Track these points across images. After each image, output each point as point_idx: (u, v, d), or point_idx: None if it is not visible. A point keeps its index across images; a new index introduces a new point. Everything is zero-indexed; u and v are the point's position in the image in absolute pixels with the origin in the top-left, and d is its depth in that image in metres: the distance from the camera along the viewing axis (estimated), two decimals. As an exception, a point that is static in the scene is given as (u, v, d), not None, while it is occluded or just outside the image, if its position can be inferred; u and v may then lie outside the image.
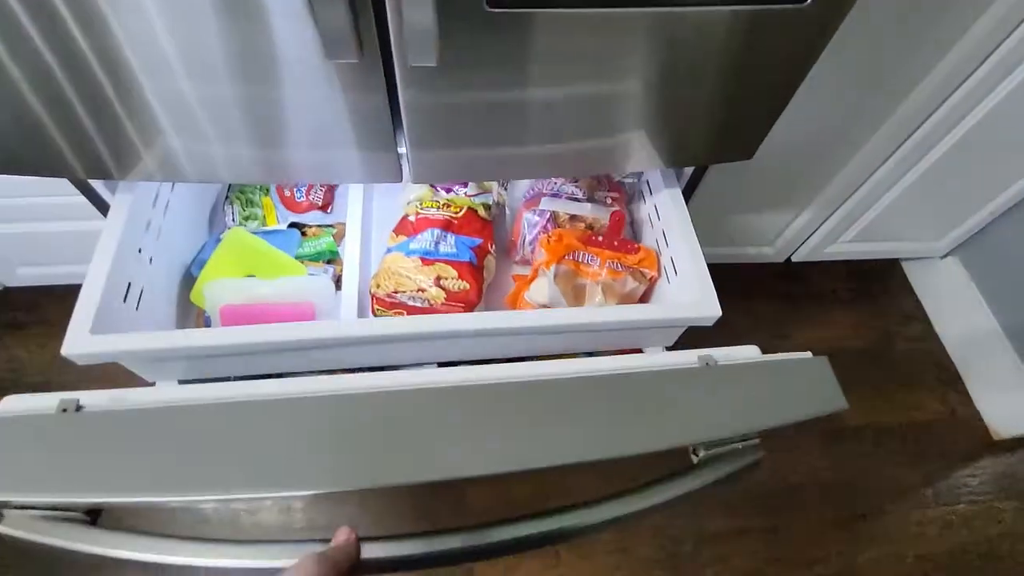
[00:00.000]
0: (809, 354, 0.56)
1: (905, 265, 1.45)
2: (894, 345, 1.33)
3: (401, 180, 0.61)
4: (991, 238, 1.23)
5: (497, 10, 0.44)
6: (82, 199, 0.74)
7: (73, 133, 0.53)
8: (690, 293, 0.67)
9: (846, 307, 1.37)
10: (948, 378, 1.30)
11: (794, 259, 1.23)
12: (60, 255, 0.96)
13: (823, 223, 1.12)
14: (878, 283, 1.42)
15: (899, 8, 0.69)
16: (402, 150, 0.58)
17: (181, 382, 0.66)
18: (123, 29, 0.44)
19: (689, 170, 0.79)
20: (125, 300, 0.62)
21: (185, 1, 0.43)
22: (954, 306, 1.33)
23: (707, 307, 0.64)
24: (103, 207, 0.71)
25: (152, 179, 0.59)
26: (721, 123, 0.61)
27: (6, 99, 0.49)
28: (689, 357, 0.56)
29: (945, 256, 1.33)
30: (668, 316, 0.64)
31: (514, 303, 0.77)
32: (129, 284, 0.63)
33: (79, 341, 0.55)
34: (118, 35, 0.45)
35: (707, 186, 0.85)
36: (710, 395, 0.51)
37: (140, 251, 0.65)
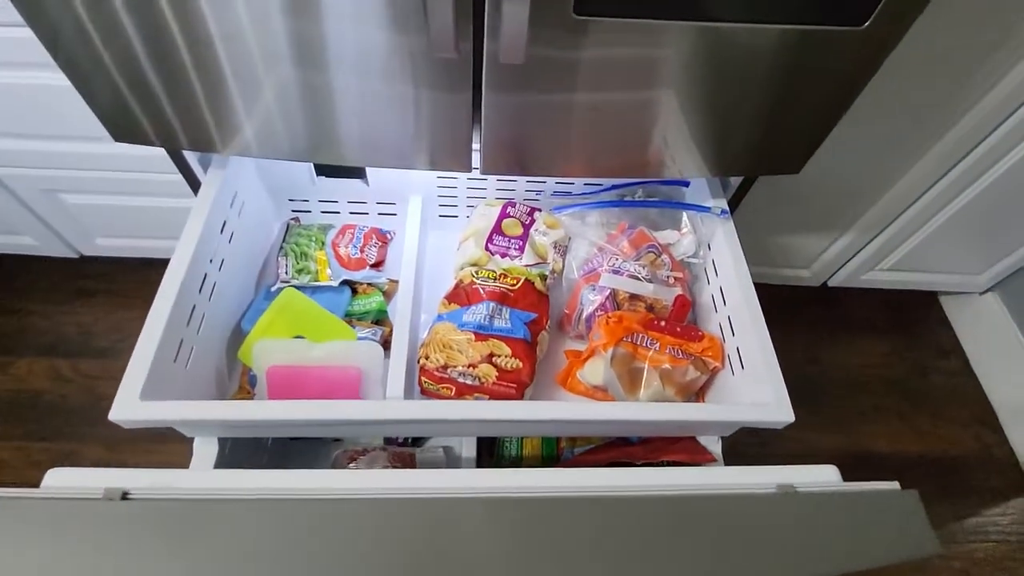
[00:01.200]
0: (896, 485, 0.51)
1: (943, 299, 1.41)
2: (928, 378, 1.30)
3: (470, 169, 0.65)
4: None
5: (583, 17, 0.49)
6: (166, 177, 0.86)
7: (185, 106, 0.59)
8: (758, 391, 0.63)
9: (880, 336, 1.35)
10: (983, 416, 1.26)
11: (830, 283, 1.24)
12: (138, 229, 1.03)
13: (862, 249, 1.13)
14: (914, 315, 1.40)
15: (949, 41, 0.72)
16: (475, 145, 0.62)
17: (220, 440, 0.65)
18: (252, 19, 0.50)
19: (735, 184, 0.81)
20: (176, 359, 0.61)
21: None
22: (993, 344, 1.29)
23: (779, 411, 0.60)
24: (195, 183, 0.77)
25: (248, 153, 0.64)
26: (771, 136, 0.64)
27: (135, 76, 0.56)
28: (764, 479, 0.51)
29: (985, 292, 1.29)
30: (737, 419, 0.60)
31: (565, 381, 0.74)
32: (181, 341, 0.62)
33: (128, 407, 0.54)
34: (244, 21, 0.50)
35: (750, 203, 0.86)
36: (791, 531, 0.47)
37: (194, 307, 0.64)
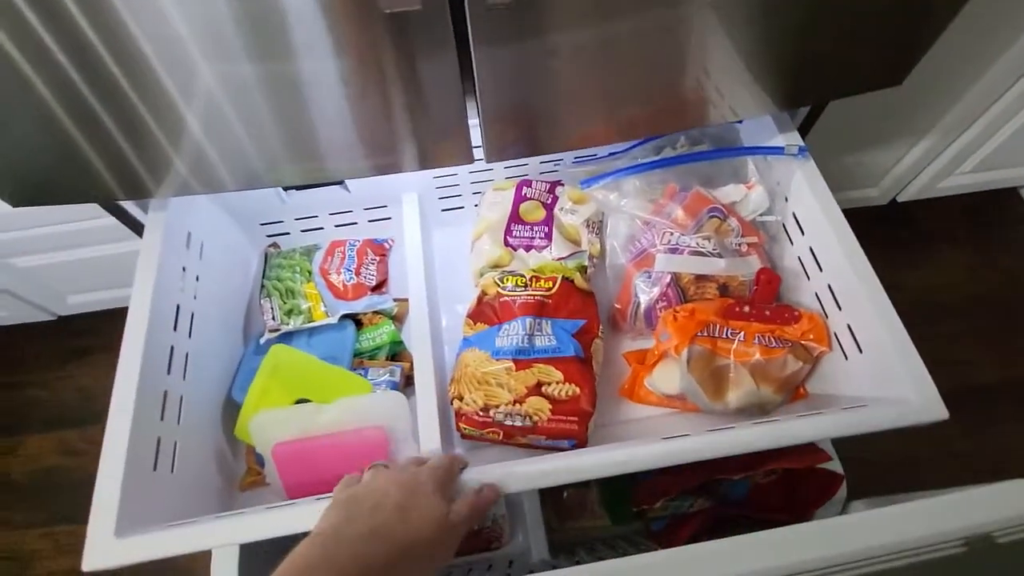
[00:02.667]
0: None
1: (1025, 192, 1.24)
2: (1021, 287, 1.14)
3: (472, 161, 0.51)
4: None
5: None
6: (108, 221, 0.70)
7: (103, 150, 0.46)
8: (887, 380, 0.49)
9: (961, 248, 1.19)
10: None
11: (900, 199, 1.10)
12: (105, 279, 0.93)
13: (938, 156, 0.99)
14: (996, 217, 1.22)
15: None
16: (473, 121, 0.48)
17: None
18: (138, 24, 0.37)
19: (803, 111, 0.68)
20: (156, 467, 0.49)
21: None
22: None
23: (930, 408, 0.46)
24: (138, 228, 0.63)
25: (188, 191, 0.52)
26: (868, 45, 0.49)
27: (27, 124, 0.43)
28: (941, 525, 0.37)
29: None
30: (877, 426, 0.46)
31: (632, 392, 0.61)
32: (159, 440, 0.50)
33: (101, 552, 0.43)
34: (134, 29, 0.37)
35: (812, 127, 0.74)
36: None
37: (166, 394, 0.52)
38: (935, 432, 1.03)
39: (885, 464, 0.94)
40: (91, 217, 0.76)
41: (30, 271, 0.86)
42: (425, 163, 0.50)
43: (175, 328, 0.55)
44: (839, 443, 0.61)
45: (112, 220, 0.74)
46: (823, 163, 0.96)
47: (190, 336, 0.57)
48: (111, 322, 1.10)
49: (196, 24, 0.37)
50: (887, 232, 1.19)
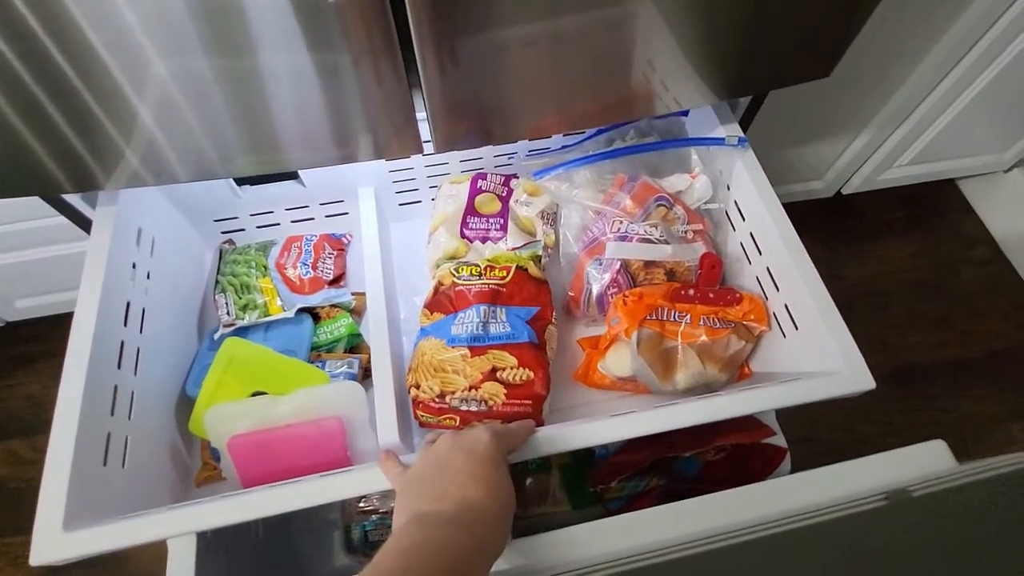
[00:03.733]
0: (1022, 457, 0.41)
1: (963, 185, 1.31)
2: (959, 273, 1.22)
3: (421, 151, 0.52)
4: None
5: None
6: (56, 220, 0.65)
7: (47, 137, 0.45)
8: (821, 354, 0.52)
9: (902, 237, 1.27)
10: (1023, 301, 1.18)
11: (844, 191, 1.16)
12: (55, 282, 0.90)
13: (877, 149, 1.04)
14: (935, 208, 1.30)
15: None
16: (420, 115, 0.49)
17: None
18: (84, 11, 0.36)
19: (743, 104, 0.69)
20: (106, 462, 0.48)
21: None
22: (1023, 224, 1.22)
23: (857, 379, 0.49)
24: (87, 225, 0.60)
25: (138, 183, 0.51)
26: (795, 36, 0.52)
27: None
28: (865, 483, 0.40)
29: (1010, 169, 1.21)
30: (808, 398, 0.48)
31: (586, 376, 0.62)
32: (109, 435, 0.49)
33: (49, 546, 0.42)
34: (78, 16, 0.37)
35: (754, 122, 0.76)
36: (919, 553, 0.36)
37: (117, 388, 0.51)
38: (878, 411, 1.09)
39: (831, 443, 0.99)
40: (37, 216, 0.74)
41: (-27, 274, 0.83)
42: (376, 154, 0.50)
43: (125, 324, 0.54)
44: (789, 425, 0.64)
45: (59, 219, 0.72)
46: (768, 158, 1.01)
47: (141, 332, 0.56)
48: (61, 327, 1.06)
49: (144, 13, 0.37)
50: (834, 223, 1.25)
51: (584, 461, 0.71)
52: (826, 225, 1.24)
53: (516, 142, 0.67)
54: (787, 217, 0.57)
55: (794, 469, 0.65)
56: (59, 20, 0.37)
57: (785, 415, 0.62)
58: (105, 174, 0.50)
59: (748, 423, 0.62)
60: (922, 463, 0.43)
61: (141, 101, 0.43)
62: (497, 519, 0.37)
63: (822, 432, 0.96)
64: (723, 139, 0.61)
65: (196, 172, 0.51)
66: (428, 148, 0.51)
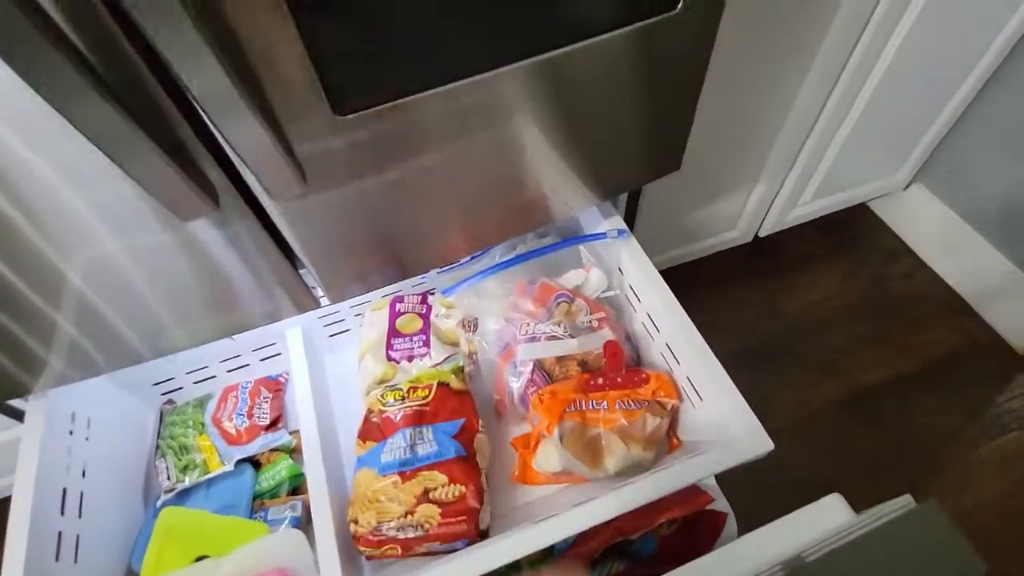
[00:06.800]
0: (909, 499, 0.43)
1: (873, 205, 1.39)
2: (887, 288, 1.28)
3: (319, 306, 0.56)
4: (948, 155, 1.18)
5: (349, 116, 0.39)
6: None
7: None
8: (725, 423, 0.55)
9: (827, 264, 1.32)
10: (954, 305, 1.24)
11: (761, 234, 1.22)
12: None
13: (779, 192, 1.10)
14: (852, 231, 1.37)
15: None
16: (310, 281, 0.53)
17: None
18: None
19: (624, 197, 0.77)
20: (46, 665, 0.48)
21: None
22: (935, 232, 1.28)
23: (755, 443, 0.52)
24: (19, 415, 0.62)
25: (69, 380, 0.53)
26: (639, 144, 0.58)
27: None
28: (767, 556, 0.42)
29: (908, 187, 1.29)
30: (715, 469, 0.51)
31: (524, 477, 0.64)
32: (49, 635, 0.49)
33: None
34: None
35: (650, 199, 0.82)
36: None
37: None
38: (842, 441, 1.10)
39: (800, 484, 1.00)
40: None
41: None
42: (279, 316, 0.54)
43: (62, 512, 0.56)
44: (748, 479, 0.65)
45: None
46: (677, 222, 1.08)
47: (80, 516, 0.57)
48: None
49: (39, 218, 0.40)
50: (760, 264, 1.31)
51: (546, 557, 0.71)
52: (753, 268, 1.30)
53: (422, 274, 0.72)
54: (672, 295, 0.62)
55: (757, 523, 0.66)
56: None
57: (734, 472, 0.64)
58: (32, 379, 0.53)
59: (687, 494, 0.64)
60: (820, 522, 0.45)
61: (51, 304, 0.46)
62: None
63: (790, 474, 0.97)
64: (605, 234, 0.66)
65: (123, 361, 0.54)
66: (324, 301, 0.55)
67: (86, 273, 0.45)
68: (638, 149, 0.59)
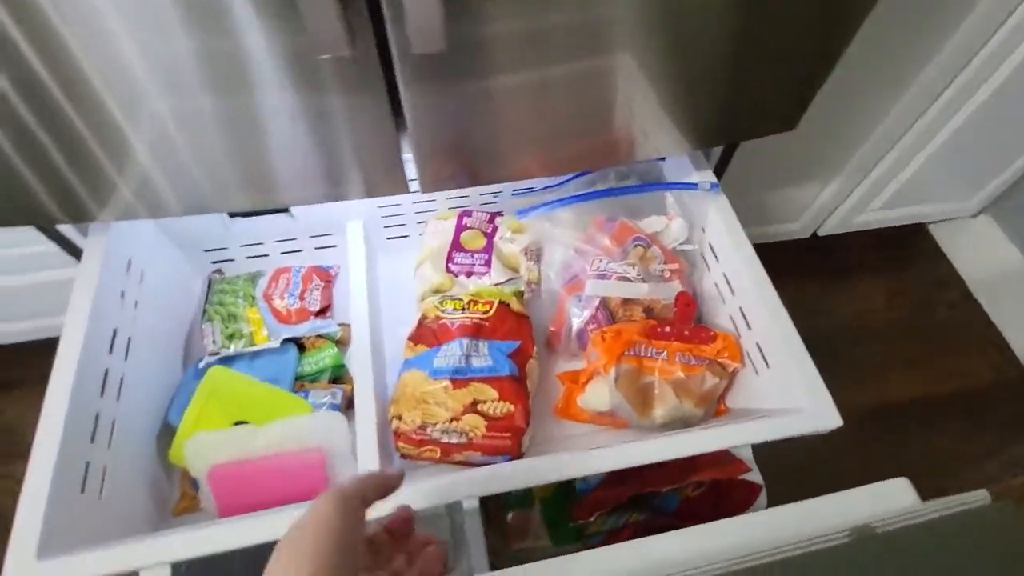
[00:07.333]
0: (985, 495, 0.42)
1: (933, 229, 1.37)
2: (934, 313, 1.26)
3: (407, 191, 0.54)
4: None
5: None
6: (45, 247, 0.67)
7: (42, 169, 0.46)
8: (790, 392, 0.54)
9: (878, 277, 1.30)
10: (996, 340, 1.22)
11: (820, 232, 1.18)
12: (38, 308, 0.89)
13: (851, 193, 1.08)
14: (907, 251, 1.35)
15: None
16: (407, 156, 0.51)
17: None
18: (86, 52, 0.38)
19: (717, 150, 0.74)
20: (83, 489, 0.48)
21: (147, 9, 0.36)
22: (991, 266, 1.26)
23: (824, 417, 0.50)
24: (76, 253, 0.64)
25: (132, 215, 0.52)
26: (761, 92, 0.55)
27: None
28: (830, 521, 0.42)
29: (977, 215, 1.25)
30: (778, 435, 0.50)
31: (566, 411, 0.64)
32: (88, 463, 0.49)
33: (21, 573, 0.42)
34: (80, 57, 0.38)
35: (729, 167, 0.80)
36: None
37: (98, 416, 0.51)
38: (856, 448, 1.10)
39: (809, 480, 1.00)
40: (22, 244, 0.74)
41: (-46, 297, 0.83)
42: (365, 193, 0.53)
43: (111, 351, 0.55)
44: (765, 462, 0.65)
45: (46, 246, 0.73)
46: (744, 199, 1.05)
47: (126, 359, 0.57)
48: (40, 354, 1.07)
49: (145, 55, 0.39)
50: (811, 262, 1.29)
51: (565, 497, 0.71)
52: (803, 264, 1.28)
53: (503, 184, 0.70)
54: (758, 260, 0.60)
55: (770, 505, 0.66)
56: (56, 53, 0.38)
57: (762, 452, 0.64)
58: (99, 206, 0.51)
59: (724, 459, 0.64)
60: (886, 500, 0.44)
61: (136, 137, 0.45)
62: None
63: (799, 469, 0.97)
64: (696, 184, 0.64)
65: (189, 207, 0.53)
66: (414, 187, 0.53)
67: (179, 113, 0.43)
68: (758, 98, 0.56)
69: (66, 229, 0.65)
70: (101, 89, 0.41)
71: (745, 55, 0.50)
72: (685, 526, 0.68)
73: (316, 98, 0.42)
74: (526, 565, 0.43)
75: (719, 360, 0.60)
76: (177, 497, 0.59)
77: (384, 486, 0.35)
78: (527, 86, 0.47)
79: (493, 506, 0.73)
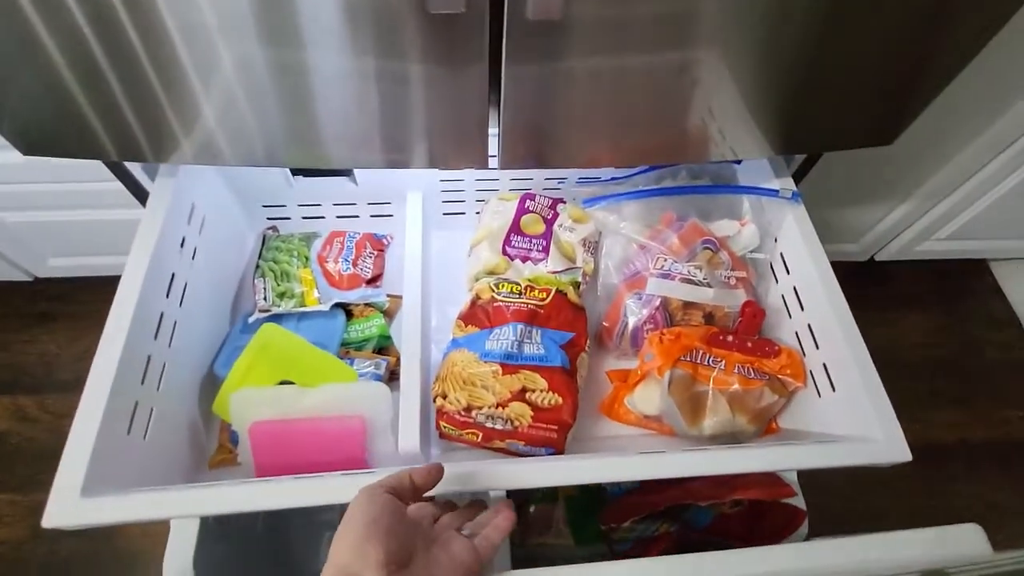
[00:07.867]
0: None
1: (994, 266, 1.30)
2: (983, 353, 1.20)
3: (486, 166, 0.53)
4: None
5: None
6: (112, 185, 0.68)
7: (108, 110, 0.46)
8: (855, 419, 0.51)
9: (930, 310, 1.25)
10: None
11: (878, 257, 1.15)
12: (93, 245, 0.91)
13: (918, 220, 1.04)
14: (965, 285, 1.29)
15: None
16: (493, 130, 0.50)
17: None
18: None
19: (799, 158, 0.71)
20: (130, 431, 0.48)
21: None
22: None
23: (893, 449, 0.48)
24: (142, 195, 0.64)
25: (200, 160, 0.52)
26: (861, 102, 0.52)
27: (40, 75, 0.43)
28: (900, 555, 0.39)
29: None
30: (843, 462, 0.47)
31: (611, 410, 0.62)
32: (136, 404, 0.49)
33: (66, 510, 0.42)
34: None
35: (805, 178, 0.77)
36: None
37: (150, 359, 0.51)
38: (892, 486, 1.06)
39: (842, 513, 0.97)
40: (91, 180, 0.75)
41: (18, 227, 0.85)
42: (439, 163, 0.51)
43: (167, 295, 0.55)
44: (805, 490, 0.63)
45: (108, 185, 0.73)
46: (811, 210, 1.01)
47: (181, 305, 0.56)
48: (87, 290, 1.09)
49: (227, 5, 0.38)
50: (863, 287, 1.24)
51: (592, 496, 0.70)
52: (855, 288, 1.23)
53: (570, 169, 0.68)
54: (834, 276, 0.57)
55: (810, 533, 0.63)
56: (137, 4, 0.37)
57: (802, 475, 0.61)
58: (164, 152, 0.50)
59: (770, 480, 0.61)
60: (955, 545, 0.41)
61: (210, 86, 0.44)
62: None
63: (832, 501, 0.94)
64: (776, 191, 0.61)
65: (259, 159, 0.52)
66: (493, 164, 0.51)
67: (259, 62, 0.42)
68: (855, 108, 0.53)
69: (134, 169, 0.65)
70: (177, 39, 0.40)
71: (853, 62, 0.47)
72: (717, 543, 0.66)
73: (413, 59, 0.41)
74: (558, 568, 0.41)
75: (780, 377, 0.57)
76: (214, 449, 0.59)
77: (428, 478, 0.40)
78: (619, 71, 0.45)
79: (515, 497, 0.72)
